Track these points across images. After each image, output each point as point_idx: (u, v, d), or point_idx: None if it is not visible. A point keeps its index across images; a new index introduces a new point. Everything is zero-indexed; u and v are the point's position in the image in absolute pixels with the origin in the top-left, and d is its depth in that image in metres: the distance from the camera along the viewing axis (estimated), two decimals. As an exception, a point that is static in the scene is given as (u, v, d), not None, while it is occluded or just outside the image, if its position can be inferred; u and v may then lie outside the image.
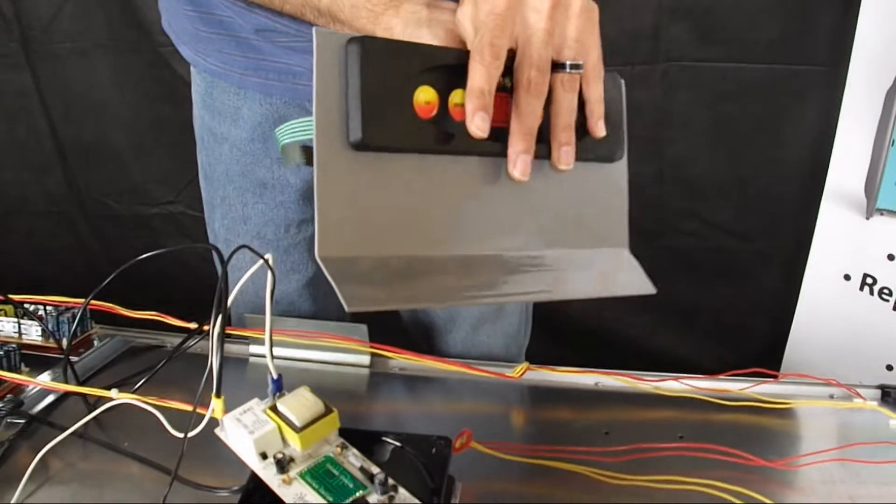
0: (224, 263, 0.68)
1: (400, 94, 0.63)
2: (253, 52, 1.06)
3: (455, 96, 0.66)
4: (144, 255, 0.89)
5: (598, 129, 0.74)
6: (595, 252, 0.76)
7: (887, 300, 1.73)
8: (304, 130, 0.66)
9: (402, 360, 1.08)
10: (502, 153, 0.69)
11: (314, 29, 0.60)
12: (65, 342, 1.04)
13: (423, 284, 0.67)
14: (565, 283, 0.73)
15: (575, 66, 0.70)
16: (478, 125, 0.65)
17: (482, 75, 0.65)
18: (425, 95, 0.64)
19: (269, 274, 0.70)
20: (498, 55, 0.66)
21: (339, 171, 0.61)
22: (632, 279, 0.77)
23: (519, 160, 0.69)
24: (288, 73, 1.06)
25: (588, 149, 0.75)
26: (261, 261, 0.70)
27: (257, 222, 1.22)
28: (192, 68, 1.19)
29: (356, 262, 0.63)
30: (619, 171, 0.80)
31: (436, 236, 0.69)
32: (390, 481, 0.68)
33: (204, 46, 1.10)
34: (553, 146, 0.71)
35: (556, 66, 0.69)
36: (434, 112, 0.65)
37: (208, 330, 0.68)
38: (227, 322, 0.69)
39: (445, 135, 0.66)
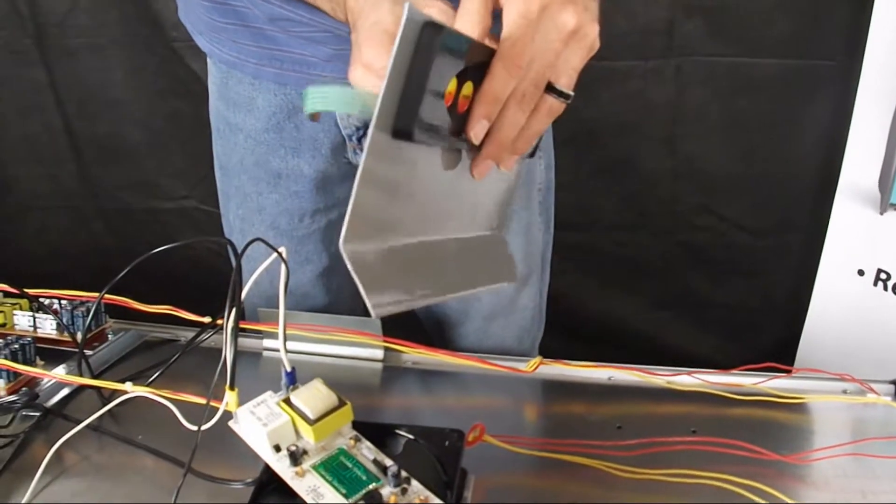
0: (238, 256, 0.68)
1: (442, 83, 0.62)
2: (267, 42, 1.06)
3: (465, 88, 0.65)
4: (158, 249, 0.89)
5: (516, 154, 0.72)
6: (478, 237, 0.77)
7: (901, 295, 1.73)
8: (337, 101, 0.66)
9: (416, 354, 1.08)
10: (467, 150, 0.69)
11: (406, 3, 0.57)
12: (79, 336, 1.04)
13: (430, 278, 0.69)
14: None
15: (565, 97, 0.69)
16: (477, 133, 0.65)
17: (504, 84, 0.64)
18: (451, 86, 0.64)
19: (283, 267, 0.70)
20: (523, 66, 0.65)
21: (381, 158, 0.61)
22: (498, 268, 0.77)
23: (483, 165, 0.69)
24: (302, 63, 1.06)
25: None
26: (274, 254, 0.70)
27: (272, 212, 1.23)
28: (208, 59, 1.19)
29: (373, 255, 0.63)
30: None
31: (424, 222, 0.69)
32: (403, 474, 0.68)
33: (219, 37, 1.11)
34: (483, 154, 0.69)
35: (549, 89, 0.68)
36: (450, 102, 0.64)
37: (222, 324, 0.68)
38: (240, 315, 0.69)
39: (454, 127, 0.66)
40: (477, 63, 0.64)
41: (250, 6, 1.03)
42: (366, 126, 1.10)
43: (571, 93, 0.69)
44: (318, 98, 0.66)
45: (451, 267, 0.74)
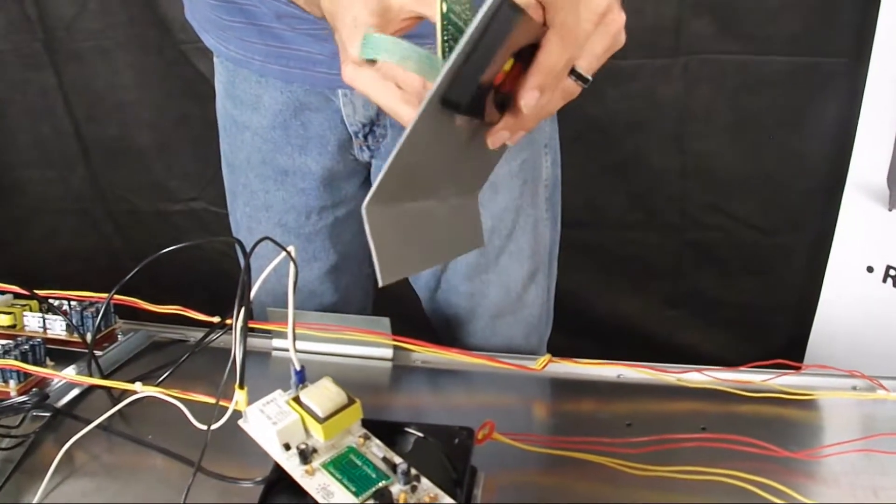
0: (247, 255, 0.68)
1: (501, 61, 0.62)
2: (274, 40, 1.06)
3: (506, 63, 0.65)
4: (167, 250, 0.89)
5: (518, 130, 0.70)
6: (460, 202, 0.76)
7: (911, 292, 1.72)
8: (392, 52, 0.66)
9: (425, 353, 1.08)
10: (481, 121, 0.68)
11: None
12: (89, 336, 1.05)
13: (427, 243, 0.72)
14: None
15: (584, 80, 0.69)
16: (528, 103, 0.64)
17: (559, 57, 0.64)
18: (508, 64, 0.64)
19: (292, 266, 0.70)
20: (578, 42, 0.66)
21: (426, 126, 0.62)
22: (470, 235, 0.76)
23: (498, 137, 0.68)
24: (308, 60, 1.07)
25: None
26: (283, 253, 0.70)
27: (279, 210, 1.23)
28: (214, 58, 1.20)
29: (389, 219, 0.65)
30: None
31: (431, 188, 0.71)
32: (413, 472, 0.68)
33: (225, 35, 1.11)
34: (501, 125, 0.68)
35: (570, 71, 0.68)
36: (500, 80, 0.64)
37: (231, 324, 0.69)
38: (249, 314, 0.69)
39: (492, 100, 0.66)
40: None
41: (257, 4, 1.03)
42: (371, 124, 1.11)
43: (590, 77, 0.69)
44: (373, 46, 0.67)
45: (441, 233, 0.74)
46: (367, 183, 1.25)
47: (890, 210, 1.70)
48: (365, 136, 1.15)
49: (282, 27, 1.04)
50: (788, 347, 2.01)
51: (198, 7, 1.14)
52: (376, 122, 1.13)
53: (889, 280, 1.75)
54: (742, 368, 1.03)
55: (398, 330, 1.07)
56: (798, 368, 1.04)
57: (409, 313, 1.23)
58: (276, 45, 1.07)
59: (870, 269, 1.78)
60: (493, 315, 1.30)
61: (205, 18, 1.13)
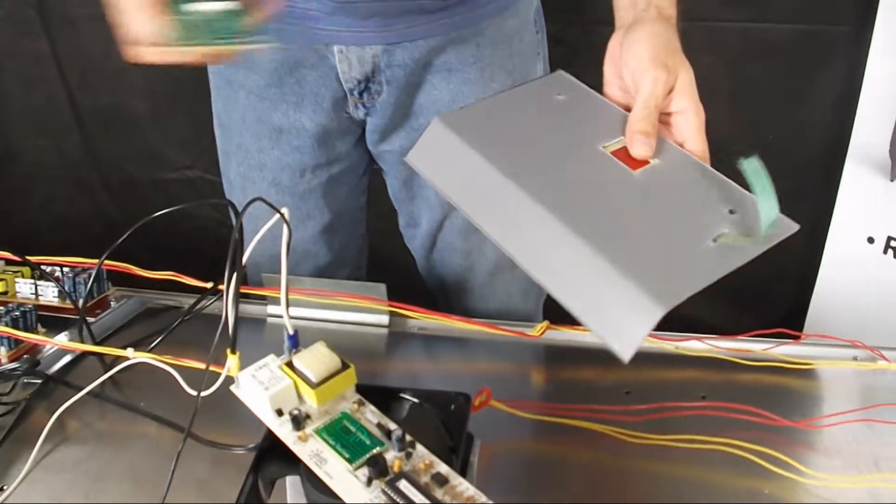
0: (238, 216, 0.67)
1: None
2: None
3: None
4: (159, 213, 0.89)
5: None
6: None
7: (911, 263, 1.72)
8: None
9: (422, 320, 1.07)
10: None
11: None
12: (81, 302, 1.04)
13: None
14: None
15: None
16: None
17: None
18: None
19: (285, 228, 0.69)
20: None
21: None
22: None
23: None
24: (304, 17, 1.06)
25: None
26: (277, 215, 0.69)
27: (273, 168, 1.23)
28: None
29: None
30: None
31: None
32: (408, 438, 0.67)
33: None
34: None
35: None
36: None
37: (223, 289, 0.67)
38: (243, 279, 0.68)
39: None
40: None
41: None
42: (367, 80, 1.11)
43: None
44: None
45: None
46: (361, 141, 1.25)
47: (891, 180, 1.69)
48: (360, 94, 1.14)
49: None
50: (788, 318, 2.01)
51: None
52: (372, 78, 1.13)
53: (890, 251, 1.74)
54: (742, 337, 1.02)
55: (394, 296, 1.06)
56: (798, 337, 1.03)
57: (406, 280, 1.23)
58: None
59: (870, 240, 1.77)
60: (490, 272, 1.30)
61: None
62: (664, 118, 0.80)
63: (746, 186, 0.73)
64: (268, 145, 1.21)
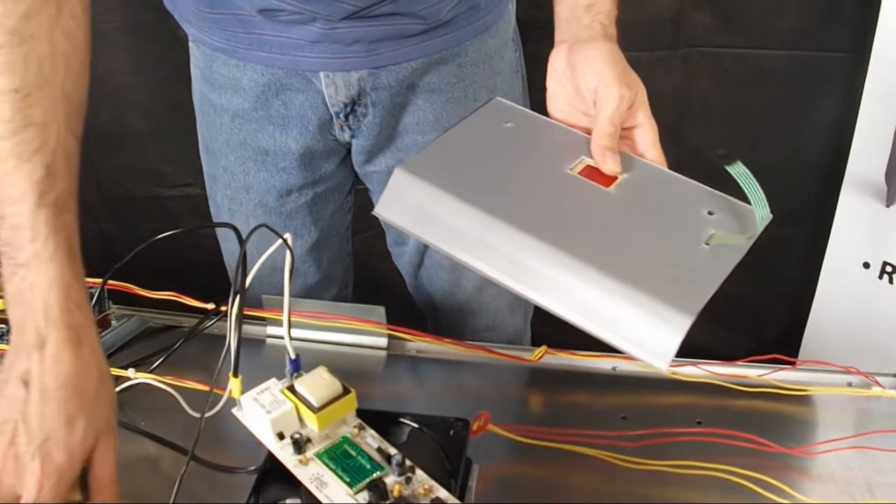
0: (242, 244, 0.68)
1: None
2: (256, 29, 1.07)
3: None
4: (161, 236, 0.89)
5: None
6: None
7: (906, 289, 1.72)
8: None
9: (420, 343, 1.07)
10: None
11: None
12: (82, 322, 1.04)
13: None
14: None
15: None
16: None
17: None
18: None
19: (288, 253, 0.70)
20: None
21: None
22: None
23: None
24: (290, 46, 1.07)
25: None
26: (279, 241, 0.70)
27: (259, 190, 1.24)
28: (190, 42, 1.20)
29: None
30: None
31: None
32: (407, 462, 0.68)
33: (207, 25, 1.11)
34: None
35: None
36: None
37: (226, 310, 0.68)
38: (244, 301, 0.69)
39: None
40: None
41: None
42: (353, 104, 1.12)
43: None
44: None
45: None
46: (346, 161, 1.26)
47: (887, 206, 1.69)
48: (346, 116, 1.15)
49: (263, 18, 1.04)
50: (783, 342, 2.01)
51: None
52: (357, 101, 1.13)
53: (885, 276, 1.74)
54: (738, 363, 1.03)
55: (393, 319, 1.06)
56: (793, 363, 1.04)
57: (403, 303, 1.23)
58: (258, 33, 1.07)
59: (866, 265, 1.77)
60: (478, 287, 1.31)
61: (185, 10, 1.13)
62: (622, 132, 0.83)
63: (711, 185, 0.77)
64: (253, 167, 1.22)
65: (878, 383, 1.00)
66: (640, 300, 0.66)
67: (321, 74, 1.10)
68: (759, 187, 0.72)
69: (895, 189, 1.67)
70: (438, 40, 1.12)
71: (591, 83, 0.82)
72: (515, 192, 0.75)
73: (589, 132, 0.83)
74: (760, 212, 0.73)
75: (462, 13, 1.11)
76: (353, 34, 1.05)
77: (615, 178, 0.78)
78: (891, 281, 1.73)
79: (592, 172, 0.79)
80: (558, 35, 0.91)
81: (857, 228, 1.76)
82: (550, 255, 0.69)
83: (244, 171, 1.23)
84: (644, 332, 0.66)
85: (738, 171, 0.72)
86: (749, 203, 0.73)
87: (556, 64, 0.88)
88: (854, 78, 1.69)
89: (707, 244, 0.73)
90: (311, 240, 1.29)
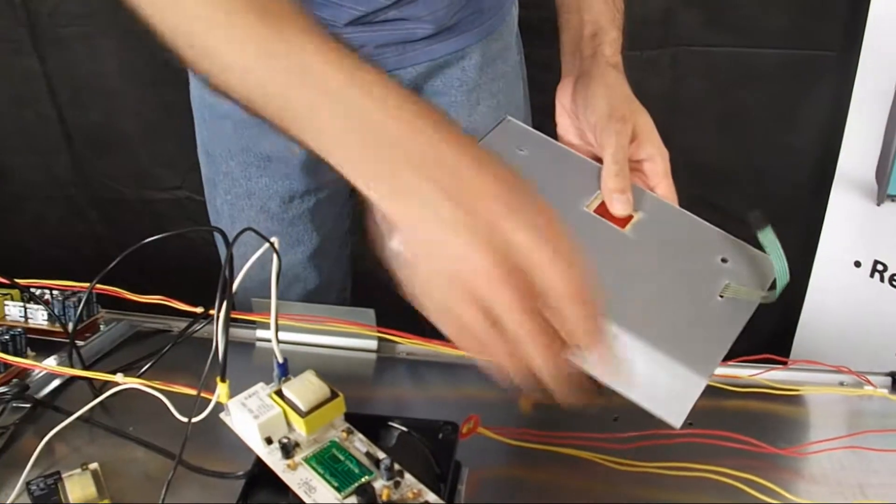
0: (229, 247, 0.67)
1: None
2: None
3: None
4: (150, 239, 0.88)
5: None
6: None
7: (898, 287, 1.72)
8: None
9: (410, 345, 1.07)
10: None
11: None
12: (70, 326, 1.03)
13: None
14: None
15: None
16: None
17: None
18: None
19: (275, 258, 0.69)
20: None
21: None
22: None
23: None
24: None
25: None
26: (266, 244, 0.69)
27: (261, 196, 1.23)
28: None
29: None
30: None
31: None
32: (396, 467, 0.67)
33: None
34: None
35: None
36: None
37: (214, 314, 0.68)
38: (232, 305, 0.68)
39: None
40: None
41: None
42: None
43: None
44: None
45: None
46: None
47: (878, 204, 1.70)
48: None
49: None
50: (775, 341, 2.01)
51: None
52: None
53: (876, 275, 1.75)
54: (729, 363, 1.02)
55: (383, 321, 1.06)
56: (785, 363, 1.03)
57: (394, 305, 1.22)
58: None
59: (857, 264, 1.78)
60: None
61: None
62: (632, 165, 0.82)
63: (723, 229, 0.79)
64: (256, 174, 1.21)
65: (869, 382, 1.00)
66: (656, 358, 0.66)
67: None
68: (783, 255, 0.72)
69: (885, 187, 1.67)
70: (443, 45, 1.11)
71: (591, 121, 0.83)
72: None
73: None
74: (781, 276, 0.73)
75: (466, 17, 1.11)
76: (358, 39, 1.05)
77: (629, 217, 0.78)
78: (882, 279, 1.74)
79: (606, 211, 0.79)
80: (563, 68, 0.91)
81: (848, 227, 1.76)
82: None
83: (246, 176, 1.23)
84: (659, 390, 0.67)
85: (768, 238, 0.72)
86: (763, 251, 0.74)
87: (563, 100, 0.88)
88: (844, 76, 1.69)
89: (721, 296, 0.73)
90: (312, 246, 1.29)
